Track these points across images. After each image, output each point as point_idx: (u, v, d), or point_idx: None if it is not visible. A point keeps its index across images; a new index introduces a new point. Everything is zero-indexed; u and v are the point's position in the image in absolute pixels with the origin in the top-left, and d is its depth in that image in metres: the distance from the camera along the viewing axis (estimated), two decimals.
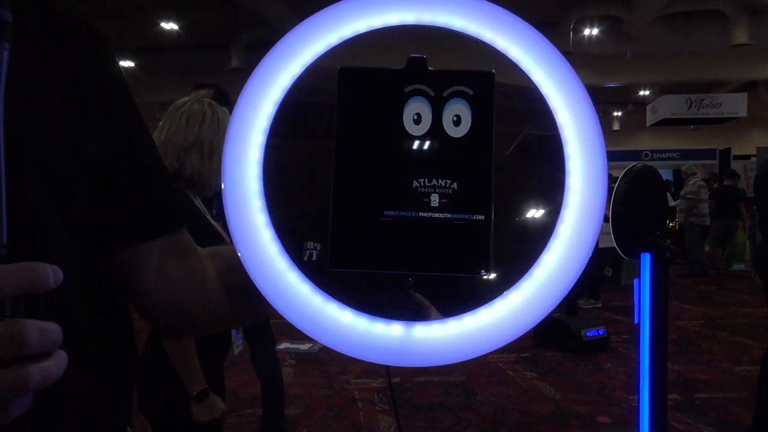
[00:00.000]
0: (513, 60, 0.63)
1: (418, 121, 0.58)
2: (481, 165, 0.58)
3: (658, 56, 13.43)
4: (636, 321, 3.37)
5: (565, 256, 0.63)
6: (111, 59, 0.64)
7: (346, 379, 4.37)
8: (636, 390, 4.21)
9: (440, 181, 0.57)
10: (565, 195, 0.63)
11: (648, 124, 14.51)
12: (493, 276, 0.60)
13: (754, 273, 8.93)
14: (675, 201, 10.05)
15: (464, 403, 3.98)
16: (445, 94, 0.58)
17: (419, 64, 0.58)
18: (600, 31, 12.31)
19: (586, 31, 12.29)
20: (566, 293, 0.63)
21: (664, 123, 13.61)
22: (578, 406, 3.94)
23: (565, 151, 0.63)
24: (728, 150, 14.14)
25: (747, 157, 14.83)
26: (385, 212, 0.57)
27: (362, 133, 0.58)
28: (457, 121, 0.58)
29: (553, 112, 0.63)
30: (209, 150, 1.79)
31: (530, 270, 0.62)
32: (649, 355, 3.04)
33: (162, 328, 0.73)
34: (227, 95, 2.83)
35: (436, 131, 0.58)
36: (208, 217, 1.85)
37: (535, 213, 0.64)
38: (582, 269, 0.64)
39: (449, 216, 0.58)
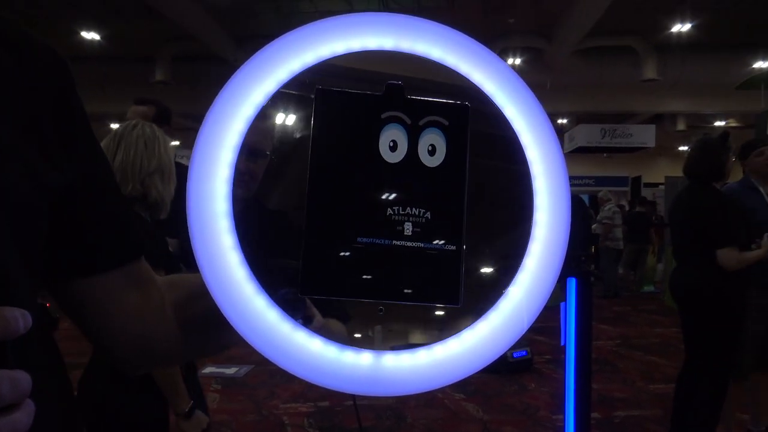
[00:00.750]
0: (487, 94, 0.64)
1: (393, 148, 0.57)
2: (454, 195, 0.59)
3: (575, 87, 14.13)
4: (562, 343, 3.49)
5: (530, 288, 0.64)
6: (70, 84, 0.62)
7: (274, 404, 4.26)
8: (560, 410, 4.35)
9: (414, 209, 0.57)
10: (532, 229, 0.64)
11: (566, 151, 15.18)
12: (461, 307, 0.60)
13: (663, 294, 9.51)
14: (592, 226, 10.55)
15: (394, 426, 3.96)
16: (421, 123, 0.58)
17: (397, 91, 0.58)
18: (522, 62, 12.84)
19: (510, 61, 12.79)
20: (531, 323, 0.65)
21: (580, 150, 14.29)
22: (505, 426, 4.01)
23: (533, 185, 0.65)
24: (639, 178, 15.01)
25: (656, 185, 15.80)
26: (358, 239, 0.56)
27: (337, 156, 0.57)
28: (432, 151, 0.58)
29: (524, 148, 0.65)
30: (169, 173, 1.82)
31: (497, 302, 0.63)
32: (575, 376, 3.14)
33: (120, 361, 0.69)
34: (170, 113, 2.74)
35: (411, 160, 0.58)
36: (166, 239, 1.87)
37: (503, 245, 0.65)
38: (546, 301, 0.66)
39: (422, 245, 0.57)
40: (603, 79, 13.09)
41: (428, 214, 0.58)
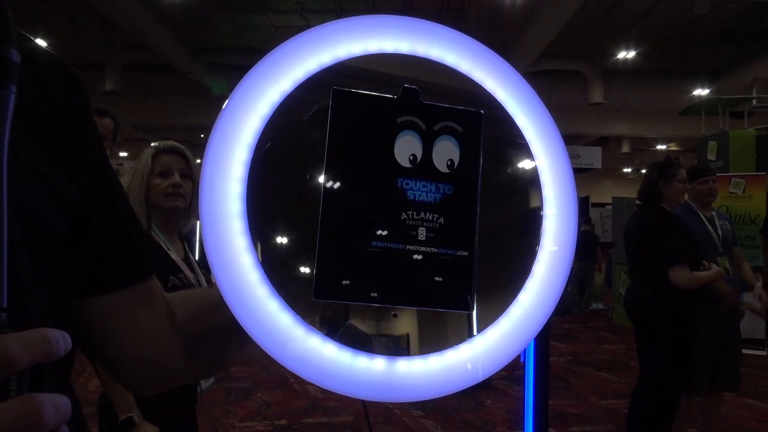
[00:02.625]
0: (500, 101, 0.65)
1: (408, 152, 0.57)
2: (466, 201, 0.59)
3: None
4: (522, 360, 3.54)
5: (539, 295, 0.64)
6: (86, 101, 0.61)
7: (230, 423, 4.15)
8: (516, 425, 4.39)
9: (428, 214, 0.57)
10: (540, 237, 0.65)
11: None
12: (473, 312, 0.60)
13: (611, 312, 9.77)
14: None
15: None
16: (435, 128, 0.58)
17: (413, 96, 0.58)
18: None
19: None
20: (540, 330, 0.65)
21: None
22: None
23: (542, 194, 0.66)
24: (587, 198, 15.44)
25: (603, 204, 16.29)
26: (373, 243, 0.55)
27: (353, 159, 0.56)
28: (446, 156, 0.58)
29: (534, 157, 0.66)
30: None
31: (508, 308, 0.63)
32: (533, 392, 3.18)
33: (130, 381, 0.65)
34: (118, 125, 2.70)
35: (425, 164, 0.57)
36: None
37: (513, 252, 0.65)
38: (554, 308, 0.67)
39: (435, 250, 0.57)
40: (552, 101, 13.47)
41: (441, 219, 0.58)
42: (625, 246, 3.44)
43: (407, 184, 0.57)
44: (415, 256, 0.56)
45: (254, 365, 5.91)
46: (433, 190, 0.58)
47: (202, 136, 17.92)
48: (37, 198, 0.50)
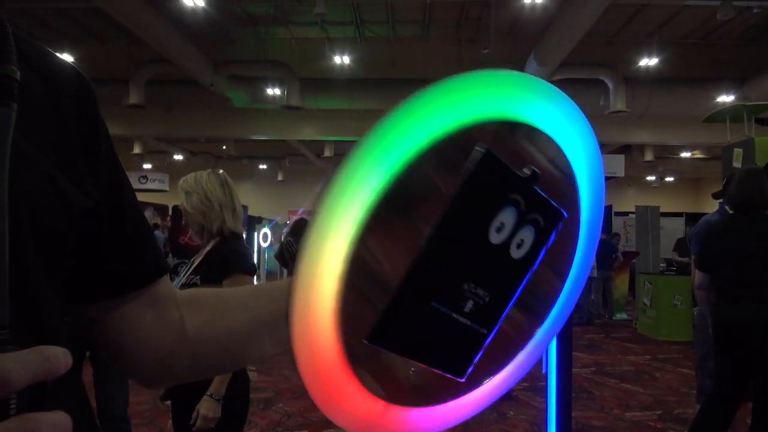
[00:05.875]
0: (577, 182, 0.65)
1: (499, 230, 0.57)
2: (513, 288, 0.59)
3: None
4: (544, 371, 3.50)
5: (531, 353, 0.67)
6: (96, 106, 0.62)
7: None
8: None
9: (482, 291, 0.57)
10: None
11: None
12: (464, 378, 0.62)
13: (635, 322, 9.63)
14: None
15: None
16: (528, 217, 0.57)
17: (534, 180, 0.56)
18: None
19: None
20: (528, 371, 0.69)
21: None
22: None
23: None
24: (610, 207, 15.29)
25: (626, 213, 16.13)
26: (433, 303, 0.56)
27: (464, 222, 0.55)
28: (521, 244, 0.58)
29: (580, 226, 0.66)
30: None
31: (505, 367, 0.65)
32: (556, 403, 3.15)
33: (138, 377, 0.68)
34: None
35: (504, 245, 0.58)
36: None
37: (519, 318, 0.66)
38: (558, 331, 0.70)
39: (468, 324, 0.58)
40: None
41: (488, 298, 0.58)
42: (726, 257, 3.21)
43: (485, 257, 0.57)
44: (453, 324, 0.57)
45: (275, 376, 5.94)
46: (497, 270, 0.58)
47: (224, 147, 18.15)
48: (49, 204, 0.51)
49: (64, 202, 0.53)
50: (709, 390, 3.49)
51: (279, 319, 0.62)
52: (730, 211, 3.59)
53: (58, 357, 0.35)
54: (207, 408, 2.08)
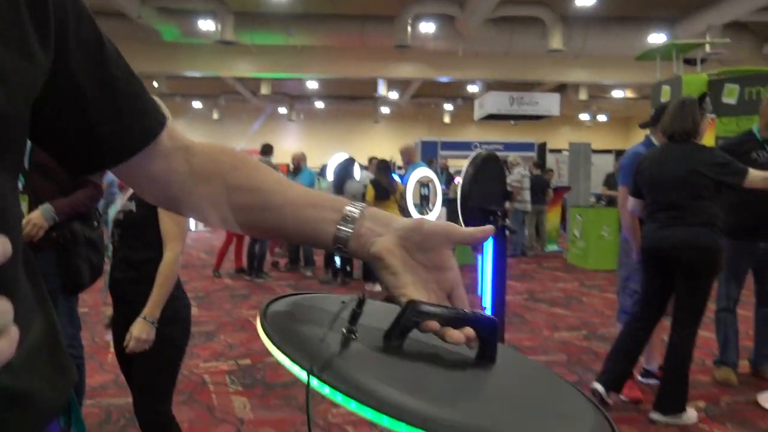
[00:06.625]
0: None
1: None
2: None
3: (486, 55, 14.48)
4: (479, 293, 3.67)
5: None
6: None
7: (194, 363, 4.21)
8: None
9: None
10: None
11: (476, 118, 15.59)
12: None
13: (566, 253, 10.07)
14: None
15: None
16: None
17: None
18: (436, 28, 12.98)
19: (423, 28, 12.90)
20: None
21: (490, 117, 14.70)
22: None
23: None
24: (544, 144, 15.68)
25: (560, 150, 16.59)
26: None
27: None
28: None
29: None
30: None
31: None
32: None
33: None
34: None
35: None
36: None
37: None
38: None
39: None
40: (512, 48, 13.48)
41: None
42: (658, 184, 3.36)
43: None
44: None
45: (216, 310, 5.97)
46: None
47: (155, 84, 17.36)
48: (17, 66, 0.50)
49: (4, 86, 0.50)
50: (630, 309, 3.76)
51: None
52: (656, 143, 3.77)
53: None
54: (140, 330, 2.08)
